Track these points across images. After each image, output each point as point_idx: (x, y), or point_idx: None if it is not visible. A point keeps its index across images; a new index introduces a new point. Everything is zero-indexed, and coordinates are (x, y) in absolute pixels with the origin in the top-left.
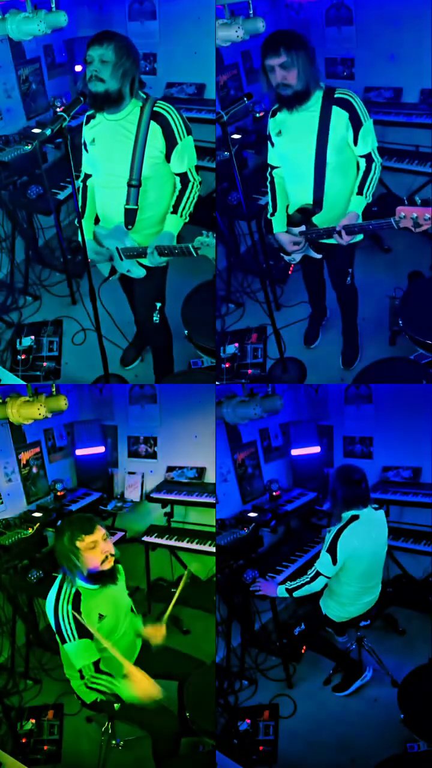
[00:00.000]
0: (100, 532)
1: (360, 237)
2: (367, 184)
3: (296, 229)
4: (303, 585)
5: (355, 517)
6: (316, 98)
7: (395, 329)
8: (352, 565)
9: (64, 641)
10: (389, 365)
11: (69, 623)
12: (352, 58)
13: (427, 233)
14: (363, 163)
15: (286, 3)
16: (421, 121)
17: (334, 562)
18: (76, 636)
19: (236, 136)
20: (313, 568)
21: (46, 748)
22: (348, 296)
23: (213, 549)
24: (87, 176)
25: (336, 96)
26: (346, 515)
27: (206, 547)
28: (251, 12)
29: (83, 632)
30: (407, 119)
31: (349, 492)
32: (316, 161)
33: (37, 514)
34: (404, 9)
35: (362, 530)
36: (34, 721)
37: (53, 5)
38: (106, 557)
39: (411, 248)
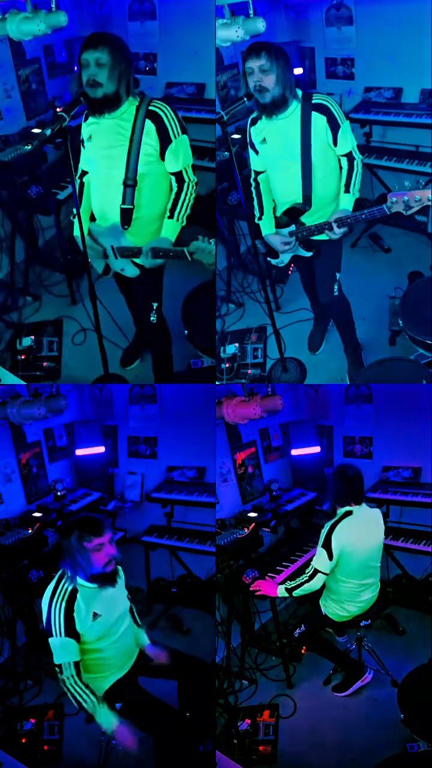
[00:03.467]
0: (107, 534)
1: (344, 230)
2: (353, 181)
3: (285, 230)
4: (302, 584)
5: (348, 513)
6: (294, 106)
7: (395, 329)
8: (346, 561)
9: (50, 635)
10: (389, 365)
11: (59, 619)
12: (352, 58)
13: (427, 233)
14: (345, 162)
15: (286, 3)
16: (421, 121)
17: (330, 557)
18: (62, 633)
19: (236, 136)
20: (310, 567)
21: (46, 748)
22: (339, 311)
23: (213, 549)
24: (84, 173)
25: (313, 102)
26: (340, 511)
27: (206, 547)
28: (251, 12)
29: (71, 632)
30: (407, 119)
31: (342, 488)
32: (302, 162)
33: (37, 514)
34: (404, 9)
35: (355, 525)
36: (34, 721)
37: (53, 5)
38: (110, 560)
39: (411, 248)
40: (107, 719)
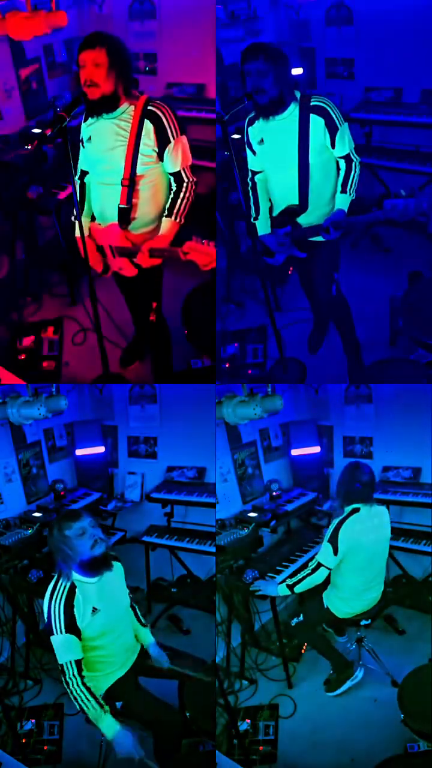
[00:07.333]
0: (86, 519)
1: (339, 232)
2: (350, 182)
3: (282, 231)
4: (304, 578)
5: (356, 510)
6: (293, 108)
7: (395, 329)
8: (352, 557)
9: (51, 633)
10: (389, 365)
11: (59, 614)
12: (352, 58)
13: (426, 233)
14: (343, 163)
15: (286, 3)
16: (421, 121)
17: (336, 552)
18: (63, 630)
19: (236, 136)
20: (314, 560)
21: (46, 748)
22: (338, 311)
23: (213, 549)
24: (84, 173)
25: (312, 104)
26: (348, 508)
27: (206, 547)
28: (251, 12)
29: (72, 629)
30: (407, 119)
31: (353, 489)
32: (300, 164)
33: (37, 514)
34: (404, 9)
35: (363, 522)
36: (34, 721)
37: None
38: (95, 541)
39: (411, 248)
40: (110, 727)
